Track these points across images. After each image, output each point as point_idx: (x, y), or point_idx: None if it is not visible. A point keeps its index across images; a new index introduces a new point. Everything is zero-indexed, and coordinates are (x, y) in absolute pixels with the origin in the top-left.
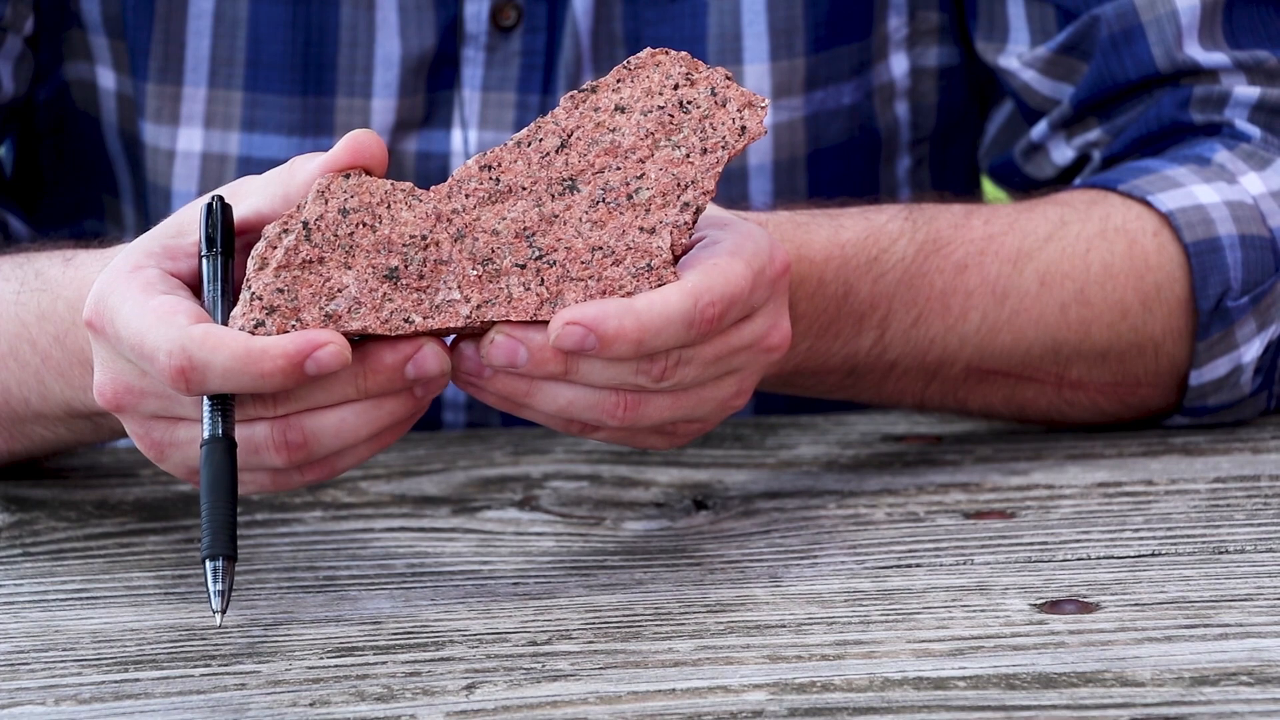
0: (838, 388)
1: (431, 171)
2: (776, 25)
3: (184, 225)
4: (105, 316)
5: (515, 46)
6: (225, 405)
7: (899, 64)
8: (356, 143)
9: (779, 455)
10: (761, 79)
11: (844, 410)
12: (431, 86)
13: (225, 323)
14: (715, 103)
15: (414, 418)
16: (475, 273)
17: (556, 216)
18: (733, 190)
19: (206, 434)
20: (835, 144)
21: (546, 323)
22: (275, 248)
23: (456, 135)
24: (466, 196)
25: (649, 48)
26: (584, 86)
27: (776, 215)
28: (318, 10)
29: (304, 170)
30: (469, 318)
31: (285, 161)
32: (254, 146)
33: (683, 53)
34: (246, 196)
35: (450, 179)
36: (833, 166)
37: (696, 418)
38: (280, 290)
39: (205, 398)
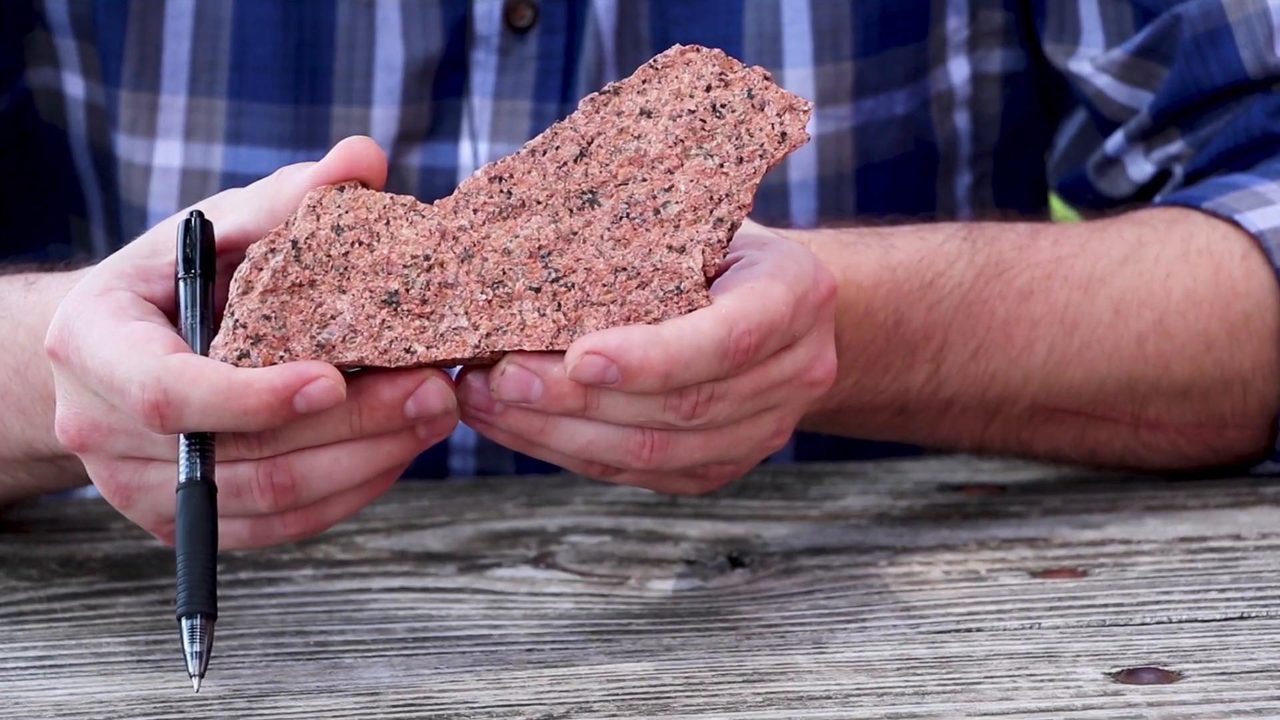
0: (887, 427)
1: (437, 187)
2: (821, 25)
3: (159, 244)
4: (70, 344)
5: (531, 49)
6: (204, 446)
7: (959, 69)
8: (351, 151)
9: (824, 506)
10: (804, 85)
11: (896, 455)
12: (438, 94)
13: (205, 353)
14: (752, 106)
15: (408, 459)
16: (485, 297)
17: (575, 234)
18: (772, 208)
19: (184, 476)
20: (887, 158)
21: (563, 353)
22: (261, 270)
23: (465, 148)
24: (475, 211)
25: (678, 45)
26: (606, 88)
27: (821, 234)
28: (311, 9)
29: (292, 182)
30: (478, 347)
31: None
32: (240, 161)
33: (715, 50)
34: (229, 212)
35: (456, 192)
36: (884, 183)
37: (731, 459)
38: (267, 317)
39: (182, 436)
